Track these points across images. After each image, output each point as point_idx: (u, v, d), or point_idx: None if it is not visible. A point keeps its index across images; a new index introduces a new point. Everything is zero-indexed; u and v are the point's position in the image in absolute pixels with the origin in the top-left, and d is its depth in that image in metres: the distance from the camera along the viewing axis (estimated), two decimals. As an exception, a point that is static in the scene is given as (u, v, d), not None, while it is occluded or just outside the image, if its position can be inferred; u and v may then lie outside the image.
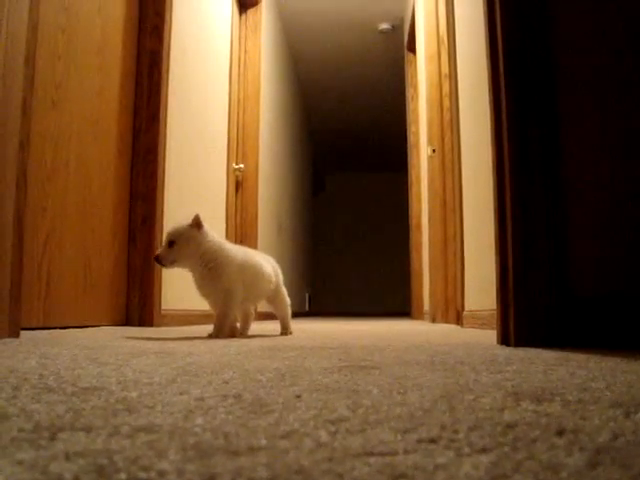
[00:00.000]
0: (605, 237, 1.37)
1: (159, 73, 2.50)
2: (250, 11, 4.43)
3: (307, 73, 7.05)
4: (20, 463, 0.34)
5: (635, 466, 0.35)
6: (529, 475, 0.33)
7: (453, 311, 3.47)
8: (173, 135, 2.67)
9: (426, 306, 4.43)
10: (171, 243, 1.59)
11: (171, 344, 1.38)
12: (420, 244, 4.97)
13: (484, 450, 0.38)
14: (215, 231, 1.71)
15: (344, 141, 9.35)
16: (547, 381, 0.72)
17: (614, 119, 1.40)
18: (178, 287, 2.63)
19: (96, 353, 1.04)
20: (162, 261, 1.59)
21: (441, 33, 3.91)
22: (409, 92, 5.54)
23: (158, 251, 1.61)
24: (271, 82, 5.08)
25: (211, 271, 1.62)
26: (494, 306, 1.45)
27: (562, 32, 1.44)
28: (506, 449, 0.39)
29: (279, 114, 5.64)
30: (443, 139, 3.82)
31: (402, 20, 5.77)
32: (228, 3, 3.82)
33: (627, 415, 0.50)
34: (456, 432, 0.43)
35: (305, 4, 5.49)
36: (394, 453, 0.38)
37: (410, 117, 5.49)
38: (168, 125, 2.58)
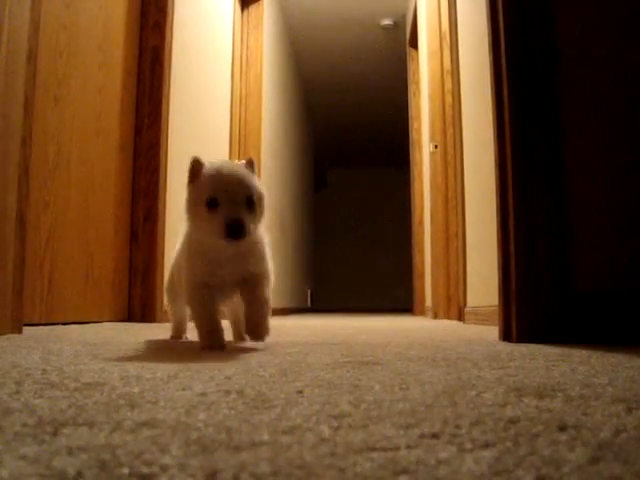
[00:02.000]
0: (607, 235, 1.37)
1: (161, 69, 2.50)
2: (252, 7, 4.42)
3: (309, 69, 7.03)
4: (23, 458, 0.34)
5: (637, 462, 0.35)
6: (531, 470, 0.33)
7: (455, 307, 3.47)
8: (175, 131, 2.67)
9: (428, 302, 4.43)
10: (249, 201, 1.00)
11: (173, 340, 1.38)
12: (422, 240, 4.96)
13: (486, 445, 0.38)
14: None
15: (346, 137, 9.33)
16: (549, 377, 0.72)
17: (617, 116, 1.39)
18: (180, 283, 2.63)
19: (98, 349, 1.04)
20: (248, 231, 0.98)
21: (443, 29, 3.90)
22: (411, 88, 5.52)
23: (237, 214, 0.97)
24: (273, 78, 5.07)
25: (244, 247, 1.05)
26: (496, 302, 1.45)
27: (565, 27, 1.43)
28: (508, 444, 0.39)
29: (281, 110, 5.63)
30: (445, 135, 3.81)
31: (404, 16, 5.76)
32: (230, -1, 3.81)
33: (629, 411, 0.50)
34: (458, 427, 0.43)
35: (307, 0, 5.48)
36: (396, 448, 0.38)
37: (412, 113, 5.47)
38: (170, 121, 2.58)
